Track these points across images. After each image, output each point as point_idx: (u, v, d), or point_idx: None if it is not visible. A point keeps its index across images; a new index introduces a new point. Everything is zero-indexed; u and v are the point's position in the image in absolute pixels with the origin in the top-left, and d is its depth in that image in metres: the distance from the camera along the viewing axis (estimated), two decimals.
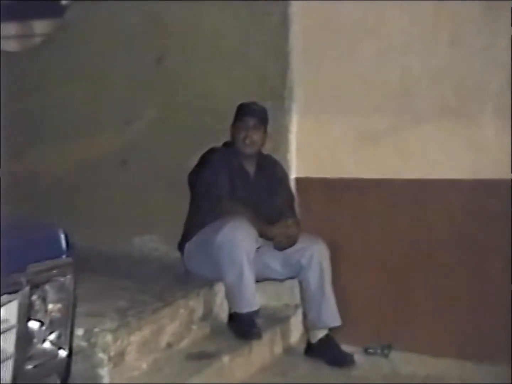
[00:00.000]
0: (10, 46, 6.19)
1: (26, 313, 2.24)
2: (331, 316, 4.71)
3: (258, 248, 4.58)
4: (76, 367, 3.44)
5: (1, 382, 2.19)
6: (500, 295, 4.65)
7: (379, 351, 4.88)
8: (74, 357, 3.16)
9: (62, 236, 2.44)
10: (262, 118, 4.87)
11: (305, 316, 4.93)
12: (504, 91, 4.63)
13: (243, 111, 4.86)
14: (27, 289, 2.21)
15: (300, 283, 4.84)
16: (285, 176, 5.11)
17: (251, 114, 4.84)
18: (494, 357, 4.58)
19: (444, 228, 4.82)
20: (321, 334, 4.75)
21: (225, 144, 4.96)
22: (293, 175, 5.18)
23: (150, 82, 5.63)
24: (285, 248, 4.70)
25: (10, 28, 6.22)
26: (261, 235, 4.63)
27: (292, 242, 4.68)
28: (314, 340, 4.79)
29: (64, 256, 2.42)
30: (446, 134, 4.79)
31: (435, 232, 4.85)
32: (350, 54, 5.00)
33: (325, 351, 4.71)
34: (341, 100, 5.03)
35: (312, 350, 4.80)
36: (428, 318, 4.85)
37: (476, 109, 4.72)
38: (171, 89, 5.53)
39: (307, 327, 4.91)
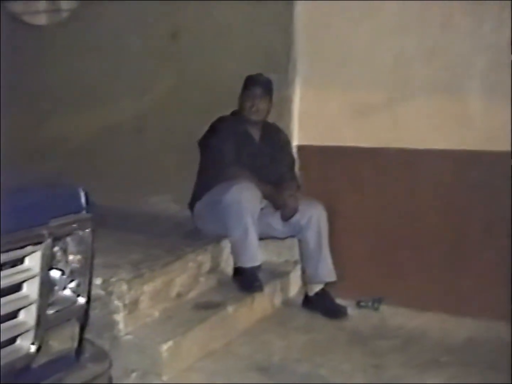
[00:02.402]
0: (39, 20, 6.15)
1: (48, 263, 2.23)
2: (327, 272, 4.72)
3: (261, 208, 4.59)
4: (94, 313, 3.48)
5: (25, 325, 2.20)
6: (480, 255, 4.69)
7: (370, 304, 4.89)
8: (92, 304, 3.18)
9: (82, 194, 2.43)
10: (267, 88, 4.85)
11: (303, 271, 4.94)
12: (490, 70, 4.61)
13: (250, 81, 4.83)
14: (49, 241, 2.20)
15: (300, 241, 4.84)
16: (287, 143, 5.09)
17: (258, 84, 4.81)
18: (473, 311, 4.60)
19: (432, 193, 4.82)
20: (317, 288, 4.77)
21: (233, 113, 4.94)
22: (295, 142, 5.17)
23: (164, 55, 5.60)
24: (290, 218, 4.69)
25: (39, 4, 6.17)
26: (264, 197, 4.62)
27: (294, 212, 4.67)
28: (311, 293, 4.80)
29: (83, 212, 2.41)
30: (436, 108, 4.76)
31: (423, 197, 4.84)
32: (349, 32, 4.96)
33: (320, 303, 4.73)
34: (340, 75, 5.00)
35: (308, 302, 4.82)
36: (416, 275, 4.86)
37: (464, 86, 4.69)
38: (184, 63, 5.51)
39: (305, 282, 4.92)
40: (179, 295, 4.25)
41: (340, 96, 4.99)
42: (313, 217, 4.68)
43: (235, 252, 4.64)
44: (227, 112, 4.92)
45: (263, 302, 4.70)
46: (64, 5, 6.08)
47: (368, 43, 4.92)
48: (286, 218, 4.70)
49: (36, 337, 2.23)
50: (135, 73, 5.70)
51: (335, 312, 4.71)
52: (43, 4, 6.15)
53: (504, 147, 4.51)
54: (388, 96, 4.89)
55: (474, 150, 4.63)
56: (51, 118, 6.07)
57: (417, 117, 4.82)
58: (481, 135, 4.62)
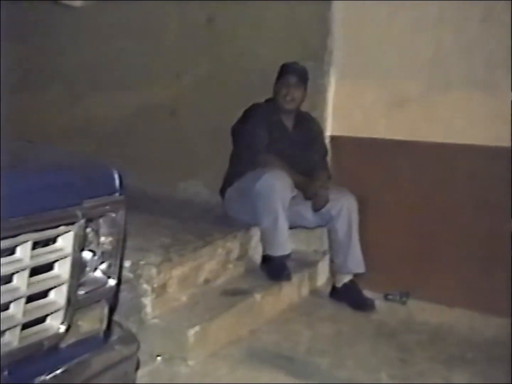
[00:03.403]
0: (75, 2, 6.16)
1: (80, 244, 2.23)
2: (356, 263, 4.71)
3: (293, 197, 4.57)
4: (123, 295, 3.50)
5: (56, 304, 2.20)
6: (510, 254, 4.63)
7: (397, 298, 4.87)
8: (121, 287, 3.19)
9: (116, 176, 2.42)
10: (302, 77, 4.83)
11: (332, 261, 4.93)
12: None
13: (285, 70, 4.82)
14: (82, 221, 2.20)
15: (329, 231, 4.82)
16: (320, 133, 5.08)
17: (293, 73, 4.80)
18: (501, 310, 4.56)
19: (465, 189, 4.78)
20: (346, 279, 4.76)
21: (267, 101, 4.92)
22: (328, 132, 5.15)
23: (200, 40, 5.59)
24: (321, 209, 4.68)
25: None
26: (296, 186, 4.61)
27: (325, 203, 4.65)
28: (339, 284, 4.79)
29: (117, 194, 2.41)
30: (472, 103, 4.72)
31: (456, 192, 4.81)
32: (387, 23, 4.92)
33: (348, 295, 4.73)
34: (376, 66, 4.98)
35: (336, 293, 4.81)
36: (445, 271, 4.83)
37: (502, 82, 4.63)
38: (219, 48, 5.50)
39: (333, 272, 4.92)
40: (207, 281, 4.26)
41: (375, 88, 4.97)
42: (344, 207, 4.66)
43: (264, 240, 4.64)
44: (262, 99, 4.91)
45: (291, 291, 4.70)
46: None
47: (405, 35, 4.88)
48: (317, 208, 4.68)
49: (65, 317, 2.23)
50: (170, 56, 5.71)
51: (362, 305, 4.70)
52: None
53: None
54: (424, 89, 4.86)
55: (509, 147, 4.58)
56: (86, 98, 6.11)
57: (453, 111, 4.78)
58: None
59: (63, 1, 6.07)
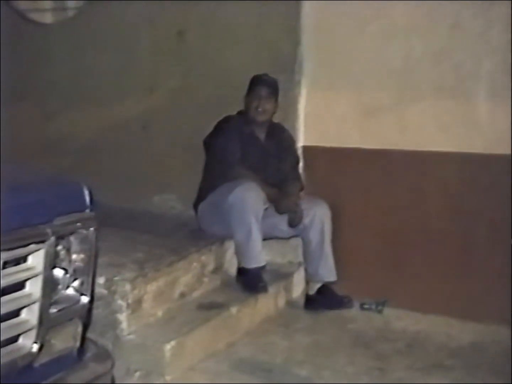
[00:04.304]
0: (45, 18, 6.16)
1: (51, 262, 2.23)
2: (328, 271, 4.75)
3: (265, 209, 4.59)
4: (97, 312, 3.49)
5: (28, 324, 2.20)
6: (485, 259, 4.69)
7: (374, 307, 4.88)
8: (95, 303, 3.18)
9: (86, 192, 2.43)
10: (273, 88, 4.85)
11: (305, 270, 4.93)
12: (498, 72, 4.60)
13: (256, 82, 4.84)
14: (53, 239, 2.20)
15: (302, 240, 4.84)
16: (292, 144, 5.09)
17: (264, 85, 4.81)
18: (478, 316, 4.59)
19: (437, 196, 4.81)
20: (317, 287, 4.78)
21: (239, 113, 4.93)
22: (300, 143, 5.17)
23: (171, 54, 5.60)
24: (297, 225, 4.70)
25: (46, 2, 6.19)
26: (268, 199, 4.62)
27: (301, 219, 4.68)
28: (311, 292, 4.82)
29: (87, 211, 2.41)
30: (443, 111, 4.76)
31: (429, 200, 4.84)
32: (357, 33, 4.96)
33: (323, 298, 4.78)
34: (347, 76, 5.00)
35: (310, 301, 4.84)
36: (420, 278, 4.85)
37: (471, 89, 4.69)
38: (190, 61, 5.51)
39: (306, 281, 4.93)
40: (182, 295, 4.25)
41: (346, 97, 5.00)
42: (317, 216, 4.69)
43: (239, 253, 4.64)
44: (233, 111, 4.92)
45: (267, 303, 4.70)
46: (71, 3, 6.09)
47: (375, 44, 4.91)
48: (294, 225, 4.71)
49: (38, 336, 2.22)
50: (141, 71, 5.72)
51: (339, 303, 4.78)
52: (49, 2, 6.17)
53: (510, 150, 4.50)
54: (395, 98, 4.89)
55: (481, 153, 4.62)
56: (57, 115, 6.09)
57: (424, 119, 4.81)
58: (488, 138, 4.61)
59: (32, 17, 6.07)
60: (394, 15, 4.83)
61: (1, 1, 5.91)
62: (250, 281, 4.57)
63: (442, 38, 4.73)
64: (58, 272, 2.34)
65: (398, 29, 4.83)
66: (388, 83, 4.88)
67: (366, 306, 4.89)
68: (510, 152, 4.51)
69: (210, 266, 4.57)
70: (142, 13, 5.64)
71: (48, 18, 6.17)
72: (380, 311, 4.87)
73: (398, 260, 4.92)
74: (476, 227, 4.71)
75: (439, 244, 4.80)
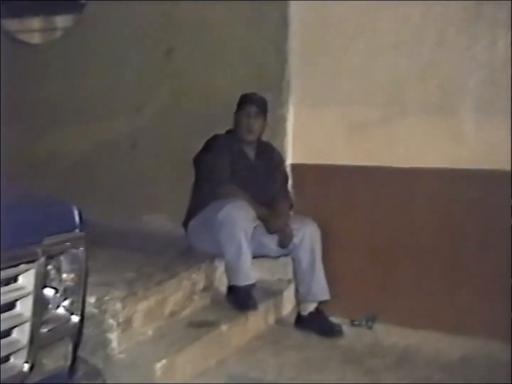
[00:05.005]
0: (33, 38, 6.19)
1: (42, 281, 2.25)
2: (320, 290, 4.74)
3: (255, 227, 4.60)
4: (88, 331, 3.49)
5: (19, 343, 2.21)
6: (474, 274, 4.72)
7: (363, 323, 4.90)
8: (86, 323, 3.19)
9: (76, 212, 2.45)
10: (262, 107, 4.88)
11: (297, 290, 4.95)
12: (483, 88, 4.65)
13: (245, 101, 4.87)
14: (43, 259, 2.22)
15: (293, 260, 4.86)
16: (281, 162, 5.12)
17: (253, 104, 4.84)
18: (467, 330, 4.63)
19: (425, 212, 4.85)
20: (311, 307, 4.79)
21: (228, 131, 4.96)
22: (289, 161, 5.20)
23: (159, 72, 5.64)
24: (287, 246, 4.73)
25: (34, 22, 6.22)
26: (258, 217, 4.65)
27: (291, 240, 4.70)
28: (304, 312, 4.82)
29: (77, 230, 2.44)
30: (429, 127, 4.80)
31: (417, 216, 4.87)
32: (343, 50, 5.00)
33: (315, 322, 4.75)
34: (334, 93, 5.04)
35: (302, 321, 4.83)
36: (409, 294, 4.87)
37: (457, 104, 4.74)
38: (178, 80, 5.55)
39: (299, 301, 4.93)
40: (172, 314, 4.26)
41: (334, 115, 5.03)
42: (306, 235, 4.71)
43: (229, 271, 4.65)
44: (222, 130, 4.95)
45: (257, 321, 4.71)
46: (59, 23, 6.13)
47: (362, 61, 4.96)
48: (284, 246, 4.73)
49: (29, 355, 2.24)
50: (130, 90, 5.74)
51: (330, 331, 4.72)
52: (38, 22, 6.20)
53: (498, 165, 4.56)
54: (382, 114, 4.93)
55: (468, 168, 4.66)
56: (46, 135, 6.10)
57: (411, 135, 4.85)
58: (475, 153, 4.66)
59: (21, 37, 6.10)
60: (379, 32, 4.88)
61: None
62: (240, 298, 4.58)
63: (427, 54, 4.78)
64: (48, 292, 2.36)
65: (384, 45, 4.88)
66: (374, 99, 4.93)
67: (356, 322, 4.91)
68: (496, 167, 4.55)
69: (200, 284, 4.58)
70: (130, 32, 5.68)
71: (36, 38, 6.21)
72: (370, 327, 4.89)
73: (387, 276, 4.95)
74: (464, 242, 4.74)
75: (427, 260, 4.84)
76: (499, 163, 4.56)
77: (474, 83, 4.68)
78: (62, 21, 6.14)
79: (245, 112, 4.84)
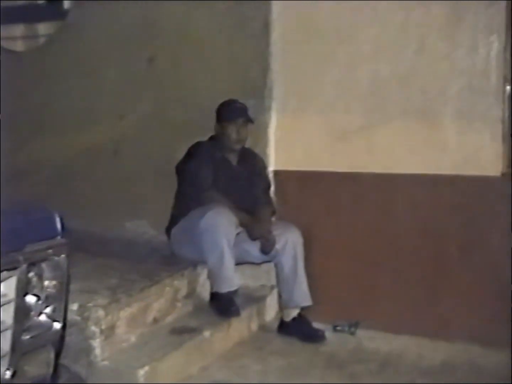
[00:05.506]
0: (16, 46, 6.18)
1: (23, 288, 2.26)
2: (302, 296, 4.75)
3: (237, 234, 4.62)
4: (70, 338, 3.47)
5: (1, 350, 2.21)
6: (455, 279, 4.74)
7: (346, 328, 4.91)
8: (68, 330, 3.17)
9: (58, 219, 2.45)
10: (247, 116, 4.87)
11: (279, 296, 4.95)
12: (465, 94, 4.68)
13: (231, 109, 4.86)
14: (24, 266, 2.22)
15: (276, 266, 4.86)
16: (264, 168, 5.12)
17: (240, 113, 4.85)
18: (449, 335, 4.66)
19: (407, 218, 4.86)
20: (293, 313, 4.79)
21: (211, 138, 4.96)
22: (271, 167, 5.20)
23: (142, 80, 5.64)
24: (269, 252, 4.73)
25: (16, 29, 6.21)
26: (240, 224, 4.66)
27: (273, 246, 4.71)
28: (287, 318, 4.83)
29: (59, 237, 2.44)
30: (410, 133, 4.82)
31: (398, 221, 4.88)
32: (325, 58, 5.02)
33: (297, 328, 4.75)
34: (316, 100, 5.07)
35: (285, 327, 4.83)
36: (391, 299, 4.88)
37: (438, 111, 4.76)
38: (161, 87, 5.55)
39: (281, 307, 4.94)
40: (155, 320, 4.26)
41: (315, 121, 5.05)
42: (289, 241, 4.71)
43: (211, 277, 4.66)
44: (204, 136, 4.96)
45: (240, 327, 4.72)
46: (41, 30, 6.12)
47: (343, 68, 4.98)
48: (266, 252, 4.74)
49: (11, 362, 2.24)
50: (112, 97, 5.74)
51: (312, 337, 4.73)
52: (20, 30, 6.19)
53: (479, 171, 4.59)
54: (364, 121, 4.94)
55: (449, 174, 4.69)
56: (28, 142, 6.08)
57: (393, 142, 4.86)
58: (456, 159, 4.68)
59: (3, 45, 6.08)
60: (360, 40, 4.90)
61: None
62: (223, 305, 4.59)
63: (408, 61, 4.80)
64: (30, 299, 2.36)
65: (364, 53, 4.90)
66: (356, 106, 4.95)
67: (338, 328, 4.92)
68: (477, 173, 4.59)
69: (183, 291, 4.58)
70: (113, 39, 5.67)
71: (19, 46, 6.19)
72: (352, 333, 4.90)
73: (369, 282, 4.96)
74: (447, 248, 4.76)
75: (409, 265, 4.85)
76: (480, 169, 4.60)
77: (455, 90, 4.70)
78: (44, 28, 6.13)
79: (233, 122, 4.82)
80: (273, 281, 5.06)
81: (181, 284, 4.56)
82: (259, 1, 5.12)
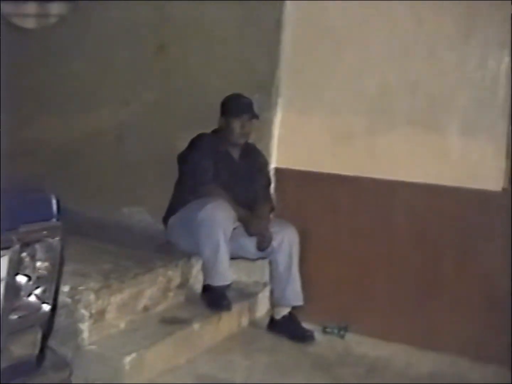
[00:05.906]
0: (28, 23, 6.16)
1: (15, 268, 2.25)
2: (294, 295, 4.74)
3: (234, 228, 4.61)
4: (60, 320, 3.49)
5: None
6: (448, 289, 4.74)
7: (336, 331, 4.90)
8: (58, 312, 3.19)
9: (54, 202, 2.45)
10: (253, 111, 4.85)
11: (271, 294, 4.95)
12: (472, 106, 4.67)
13: (237, 104, 4.85)
14: (17, 246, 2.22)
15: (270, 263, 4.85)
16: (265, 165, 5.11)
17: (246, 108, 4.83)
18: (438, 346, 4.65)
19: (404, 225, 4.85)
20: (284, 311, 4.79)
21: (214, 131, 4.95)
22: (273, 164, 5.19)
23: (150, 68, 5.62)
24: (265, 249, 4.72)
25: (30, 7, 6.19)
26: (238, 219, 4.65)
27: (270, 243, 4.70)
28: (277, 316, 4.82)
29: (54, 220, 2.43)
30: (415, 141, 4.80)
31: (396, 228, 4.87)
32: (334, 59, 5.01)
33: (287, 327, 4.75)
34: (322, 101, 5.05)
35: (274, 325, 4.83)
36: (383, 305, 4.88)
37: (444, 121, 4.74)
38: (168, 76, 5.53)
39: (273, 304, 4.94)
40: (146, 308, 4.26)
41: (320, 122, 5.04)
42: (285, 240, 4.70)
43: (205, 270, 4.65)
44: (208, 128, 4.94)
45: (230, 321, 4.71)
46: (54, 10, 6.10)
47: (352, 70, 4.97)
48: (262, 249, 4.73)
49: None
50: (119, 82, 5.72)
51: (301, 337, 4.72)
52: (33, 8, 6.17)
53: (479, 184, 4.58)
54: (368, 125, 4.93)
55: (450, 186, 4.68)
56: (33, 120, 6.06)
57: (395, 148, 4.85)
58: (458, 171, 4.67)
59: (15, 21, 6.07)
60: (371, 43, 4.89)
61: None
62: (214, 298, 4.58)
63: (417, 69, 4.79)
64: (21, 279, 2.36)
65: (374, 57, 4.89)
66: (361, 110, 4.94)
67: (328, 330, 4.92)
68: (478, 187, 4.59)
69: (176, 281, 4.58)
70: (124, 25, 5.66)
71: (30, 23, 6.17)
72: (342, 336, 4.89)
73: (362, 286, 4.95)
74: (441, 259, 4.75)
75: (403, 272, 4.84)
76: (481, 183, 4.59)
77: (462, 101, 4.69)
78: (57, 8, 6.10)
79: (239, 116, 4.80)
80: (267, 278, 5.05)
81: (174, 274, 4.55)
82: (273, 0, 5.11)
